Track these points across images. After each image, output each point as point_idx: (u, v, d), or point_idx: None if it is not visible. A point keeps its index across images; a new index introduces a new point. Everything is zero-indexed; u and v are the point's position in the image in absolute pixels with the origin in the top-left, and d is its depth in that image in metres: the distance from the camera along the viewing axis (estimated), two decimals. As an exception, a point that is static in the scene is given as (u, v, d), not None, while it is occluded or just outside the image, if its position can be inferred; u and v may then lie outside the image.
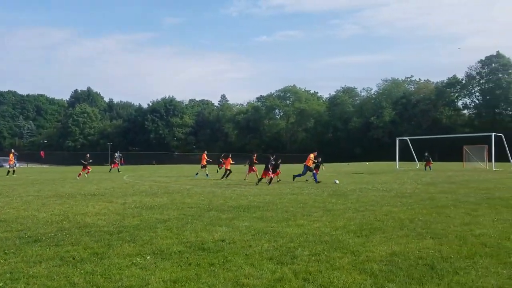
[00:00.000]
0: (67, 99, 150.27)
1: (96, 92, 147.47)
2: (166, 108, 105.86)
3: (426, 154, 34.29)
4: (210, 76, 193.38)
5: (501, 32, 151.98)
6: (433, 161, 36.77)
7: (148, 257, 5.37)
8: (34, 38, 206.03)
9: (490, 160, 34.27)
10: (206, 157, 25.57)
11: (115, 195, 13.47)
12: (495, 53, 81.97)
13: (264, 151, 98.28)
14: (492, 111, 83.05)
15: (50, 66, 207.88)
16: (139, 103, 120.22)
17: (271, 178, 17.96)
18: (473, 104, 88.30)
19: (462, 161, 40.51)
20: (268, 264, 5.04)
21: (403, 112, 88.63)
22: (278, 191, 14.70)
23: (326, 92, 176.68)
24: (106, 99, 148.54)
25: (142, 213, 9.29)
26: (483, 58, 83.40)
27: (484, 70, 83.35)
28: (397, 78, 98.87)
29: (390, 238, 6.67)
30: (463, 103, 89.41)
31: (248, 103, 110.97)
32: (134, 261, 5.20)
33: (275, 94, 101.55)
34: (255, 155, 21.90)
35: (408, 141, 40.48)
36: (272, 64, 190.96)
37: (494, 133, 33.09)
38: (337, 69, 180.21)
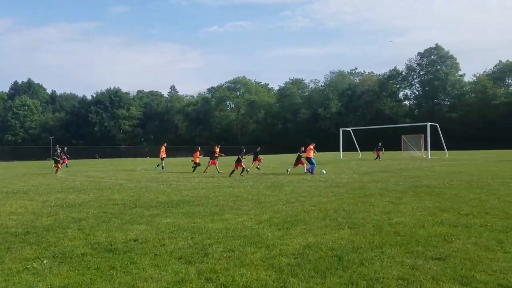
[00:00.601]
0: (6, 91, 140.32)
1: (38, 83, 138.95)
2: (111, 100, 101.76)
3: (380, 144, 34.36)
4: (159, 67, 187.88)
5: (441, 26, 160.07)
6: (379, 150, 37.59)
7: (45, 261, 4.97)
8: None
9: (426, 148, 36.12)
10: (165, 149, 26.11)
11: (39, 193, 12.65)
12: (434, 46, 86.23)
13: (214, 143, 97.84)
14: (431, 101, 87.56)
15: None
16: (84, 95, 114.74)
17: (243, 169, 18.63)
18: (413, 95, 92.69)
19: (406, 150, 42.29)
20: (175, 264, 4.82)
21: (348, 104, 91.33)
22: (215, 184, 14.50)
23: (276, 83, 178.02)
24: (49, 91, 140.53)
25: (59, 212, 8.72)
26: (422, 51, 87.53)
27: (423, 62, 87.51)
28: (343, 70, 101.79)
29: (310, 229, 6.68)
30: (404, 94, 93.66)
31: (198, 94, 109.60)
32: (29, 266, 4.79)
33: (225, 85, 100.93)
34: (218, 147, 23.12)
35: (351, 131, 41.72)
36: (223, 55, 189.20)
37: (429, 123, 34.83)
38: (288, 61, 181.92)
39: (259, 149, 23.03)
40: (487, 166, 21.18)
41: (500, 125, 72.41)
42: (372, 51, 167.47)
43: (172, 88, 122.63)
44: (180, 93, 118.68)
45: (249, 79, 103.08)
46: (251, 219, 7.55)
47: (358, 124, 74.65)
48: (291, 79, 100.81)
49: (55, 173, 23.08)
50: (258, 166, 22.72)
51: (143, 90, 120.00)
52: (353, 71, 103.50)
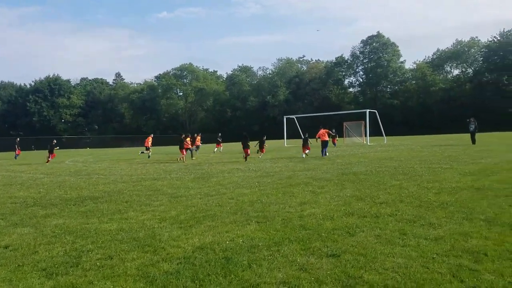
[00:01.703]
0: None
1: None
2: (51, 88, 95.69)
3: (333, 130, 34.14)
4: (105, 53, 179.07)
5: (387, 16, 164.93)
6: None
7: None
8: None
9: (367, 135, 37.00)
10: (151, 139, 27.46)
11: None
12: (375, 33, 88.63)
13: (162, 132, 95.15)
14: (374, 88, 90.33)
15: None
16: (22, 83, 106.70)
17: (248, 155, 20.46)
18: (357, 83, 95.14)
19: (348, 136, 43.09)
20: (32, 278, 4.15)
21: (296, 91, 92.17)
22: (141, 177, 13.69)
23: (225, 71, 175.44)
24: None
25: None
26: (365, 38, 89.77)
27: (366, 50, 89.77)
28: (291, 58, 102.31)
29: (215, 226, 6.21)
30: (349, 81, 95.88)
31: (144, 81, 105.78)
32: None
33: (171, 72, 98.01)
34: (188, 136, 24.29)
35: (295, 119, 41.92)
36: (173, 42, 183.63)
37: (368, 110, 35.65)
38: (237, 49, 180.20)
39: (265, 137, 23.97)
40: (419, 151, 21.85)
41: (437, 111, 76.27)
42: (322, 40, 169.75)
43: (118, 75, 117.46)
44: (127, 81, 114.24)
45: (196, 66, 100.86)
46: (155, 217, 6.95)
47: (306, 111, 75.55)
48: (239, 66, 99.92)
49: (46, 163, 23.57)
50: (260, 156, 22.84)
51: (87, 78, 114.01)
52: (301, 59, 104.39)
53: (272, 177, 12.26)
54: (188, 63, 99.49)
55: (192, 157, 23.38)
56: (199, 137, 29.40)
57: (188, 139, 23.30)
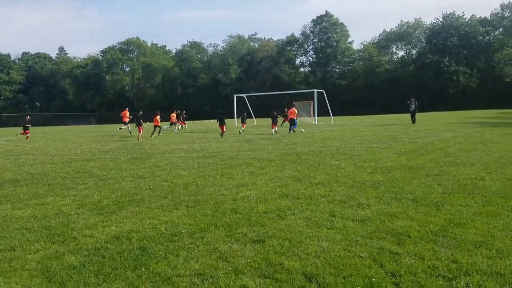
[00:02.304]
0: None
1: None
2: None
3: (286, 109, 33.64)
4: (48, 26, 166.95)
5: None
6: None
7: None
8: None
9: (315, 115, 37.45)
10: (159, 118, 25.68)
11: None
12: (324, 13, 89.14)
13: (108, 109, 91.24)
14: (324, 68, 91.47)
15: None
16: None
17: (223, 132, 21.19)
18: (308, 62, 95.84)
19: (299, 116, 43.35)
20: None
21: (248, 70, 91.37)
22: (72, 158, 12.83)
23: (174, 46, 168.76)
24: None
25: None
26: (315, 18, 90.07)
27: (316, 29, 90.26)
28: (242, 35, 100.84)
29: (139, 212, 5.82)
30: (300, 61, 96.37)
31: (88, 56, 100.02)
32: None
33: (117, 46, 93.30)
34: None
35: (245, 98, 41.57)
36: (122, 15, 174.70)
37: (316, 90, 35.99)
38: (189, 24, 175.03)
39: (275, 112, 24.56)
40: (361, 131, 22.37)
41: (383, 91, 78.88)
42: (274, 18, 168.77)
43: (61, 49, 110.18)
44: (71, 55, 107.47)
45: (143, 41, 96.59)
46: (74, 202, 6.43)
47: (258, 90, 75.39)
48: (189, 42, 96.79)
49: (19, 134, 24.67)
50: (275, 130, 23.34)
51: (28, 52, 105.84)
52: (253, 36, 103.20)
53: (214, 158, 11.93)
54: (135, 37, 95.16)
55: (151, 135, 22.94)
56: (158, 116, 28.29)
57: (158, 116, 23.38)
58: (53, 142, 20.18)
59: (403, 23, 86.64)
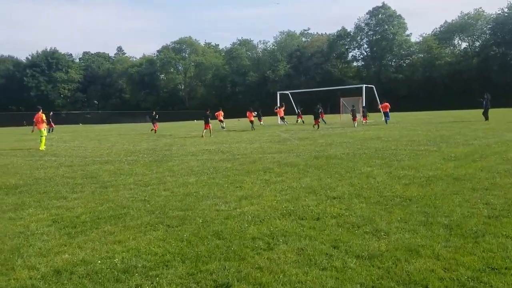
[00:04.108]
0: None
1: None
2: (48, 62, 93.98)
3: (318, 106, 32.82)
4: (108, 27, 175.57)
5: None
6: (325, 114, 35.90)
7: None
8: None
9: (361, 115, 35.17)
10: (222, 114, 30.89)
11: None
12: (380, 4, 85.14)
13: (162, 108, 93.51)
14: (378, 62, 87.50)
15: None
16: (16, 57, 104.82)
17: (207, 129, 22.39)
18: (361, 56, 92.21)
19: (345, 113, 41.18)
20: None
21: (297, 65, 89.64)
22: (93, 160, 12.48)
23: (226, 43, 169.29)
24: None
25: None
26: (371, 9, 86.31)
27: (371, 22, 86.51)
28: (293, 31, 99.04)
29: (110, 233, 5.01)
30: (352, 55, 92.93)
31: (142, 55, 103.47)
32: None
33: (171, 46, 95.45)
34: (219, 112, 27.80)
35: (289, 95, 40.29)
36: (178, 15, 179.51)
37: (364, 85, 33.93)
38: (242, 21, 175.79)
39: (318, 107, 26.79)
40: (412, 130, 20.41)
41: (443, 86, 73.95)
42: (329, 11, 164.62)
43: (119, 49, 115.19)
44: (128, 55, 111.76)
45: (196, 40, 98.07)
46: (51, 217, 5.76)
47: (308, 86, 73.56)
48: (239, 40, 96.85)
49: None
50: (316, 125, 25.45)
51: (89, 52, 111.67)
52: (305, 32, 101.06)
53: (235, 162, 11.00)
54: (187, 36, 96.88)
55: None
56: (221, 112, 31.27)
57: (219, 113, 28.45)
58: (89, 142, 20.34)
59: (463, 14, 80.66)
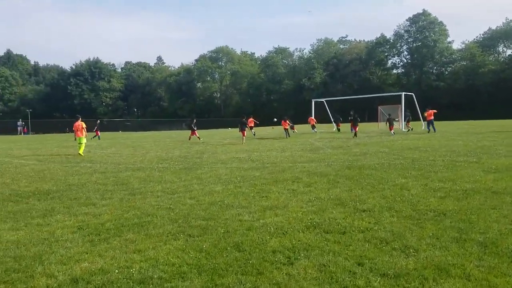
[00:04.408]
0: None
1: (22, 55, 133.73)
2: (91, 71, 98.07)
3: (351, 112, 32.42)
4: (150, 36, 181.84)
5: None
6: (363, 122, 35.25)
7: None
8: None
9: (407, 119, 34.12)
10: (253, 121, 31.68)
11: None
12: (421, 11, 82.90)
13: (198, 115, 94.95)
14: (419, 70, 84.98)
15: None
16: (61, 66, 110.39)
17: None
18: (401, 63, 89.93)
19: (383, 121, 40.03)
20: None
21: (334, 73, 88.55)
22: (126, 167, 12.71)
23: (262, 52, 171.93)
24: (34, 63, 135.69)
25: None
26: (411, 16, 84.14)
27: (412, 29, 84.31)
28: (331, 38, 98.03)
29: (131, 241, 5.00)
30: (392, 62, 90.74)
31: (180, 65, 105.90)
32: None
33: (208, 55, 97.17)
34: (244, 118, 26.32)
35: (325, 103, 39.78)
36: (216, 24, 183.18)
37: (403, 93, 32.95)
38: (278, 30, 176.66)
39: (355, 115, 27.40)
40: (452, 139, 19.53)
41: (487, 94, 70.76)
42: (368, 19, 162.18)
43: (159, 59, 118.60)
44: (168, 64, 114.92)
45: (232, 48, 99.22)
46: (77, 223, 5.83)
47: (345, 94, 72.36)
48: (275, 48, 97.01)
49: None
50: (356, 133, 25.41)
51: (130, 62, 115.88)
52: (343, 39, 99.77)
53: (263, 170, 10.86)
54: (224, 46, 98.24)
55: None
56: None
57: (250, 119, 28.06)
58: (125, 148, 20.83)
59: (508, 20, 77.08)
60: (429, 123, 27.18)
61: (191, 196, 7.65)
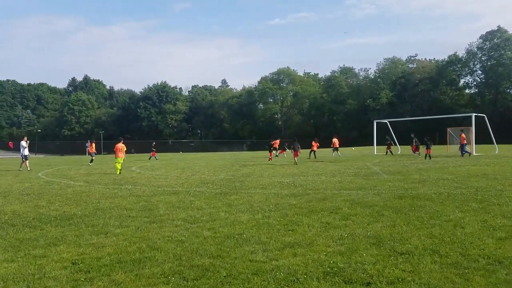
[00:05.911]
0: (65, 88, 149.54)
1: (98, 80, 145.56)
2: (159, 95, 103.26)
3: (412, 135, 30.32)
4: (217, 61, 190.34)
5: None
6: (434, 144, 32.48)
7: None
8: (38, 26, 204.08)
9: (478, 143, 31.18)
10: (278, 142, 32.17)
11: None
12: (496, 28, 77.21)
13: (258, 137, 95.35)
14: (494, 89, 78.72)
15: (54, 54, 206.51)
16: (133, 90, 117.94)
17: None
18: (474, 83, 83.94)
19: (453, 144, 37.01)
20: None
21: (402, 93, 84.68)
22: (163, 190, 12.39)
23: (326, 73, 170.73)
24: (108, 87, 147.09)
25: None
26: (484, 33, 78.65)
27: (485, 46, 78.64)
28: (399, 57, 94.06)
29: (116, 283, 4.39)
30: (464, 82, 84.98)
31: (242, 87, 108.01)
32: None
33: (269, 77, 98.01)
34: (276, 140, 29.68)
35: (388, 124, 37.66)
36: (281, 47, 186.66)
37: (474, 114, 30.14)
38: (345, 51, 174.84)
39: (413, 135, 28.91)
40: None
41: None
42: (436, 38, 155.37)
43: (223, 82, 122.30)
44: (231, 87, 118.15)
45: (293, 70, 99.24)
46: (75, 256, 5.35)
47: (414, 115, 68.73)
48: (340, 68, 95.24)
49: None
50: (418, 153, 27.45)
51: (197, 85, 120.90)
52: (412, 58, 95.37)
53: (302, 198, 9.92)
54: (285, 67, 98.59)
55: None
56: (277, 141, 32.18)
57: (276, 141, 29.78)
58: (174, 170, 20.83)
59: None
60: (462, 146, 26.67)
61: (211, 226, 6.97)
